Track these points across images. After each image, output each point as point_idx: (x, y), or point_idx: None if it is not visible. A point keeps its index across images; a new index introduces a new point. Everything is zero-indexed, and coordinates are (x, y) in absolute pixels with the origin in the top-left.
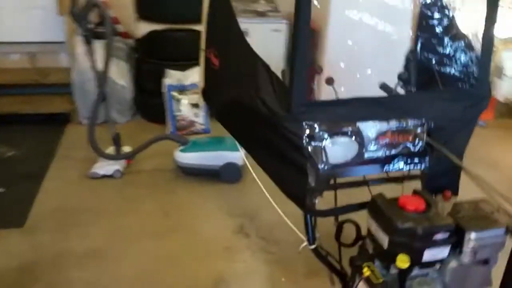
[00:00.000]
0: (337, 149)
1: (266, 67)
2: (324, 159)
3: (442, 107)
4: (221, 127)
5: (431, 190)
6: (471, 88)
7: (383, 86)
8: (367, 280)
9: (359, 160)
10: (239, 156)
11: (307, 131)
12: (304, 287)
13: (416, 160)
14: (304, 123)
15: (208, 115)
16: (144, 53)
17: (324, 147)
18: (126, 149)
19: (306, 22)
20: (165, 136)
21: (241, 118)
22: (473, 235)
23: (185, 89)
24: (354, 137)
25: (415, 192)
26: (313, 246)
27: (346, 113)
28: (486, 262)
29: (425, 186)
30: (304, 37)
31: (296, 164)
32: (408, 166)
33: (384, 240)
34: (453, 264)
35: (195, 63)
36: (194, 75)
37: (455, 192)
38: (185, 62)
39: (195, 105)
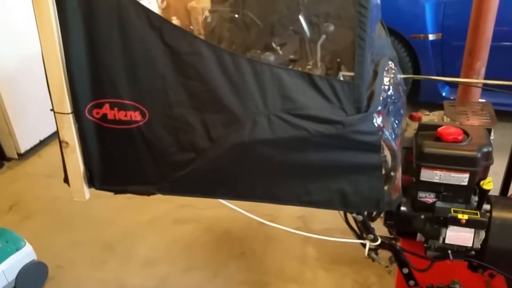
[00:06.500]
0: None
1: (301, 74)
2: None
3: None
4: None
5: None
6: None
7: None
8: (467, 223)
9: None
10: (29, 250)
11: (376, 123)
12: None
13: None
14: (374, 116)
15: None
16: None
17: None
18: None
19: None
20: None
21: (249, 162)
22: None
23: None
24: None
25: (428, 126)
26: (379, 241)
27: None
28: None
29: None
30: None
31: (368, 165)
32: None
33: (462, 178)
34: None
35: None
36: None
37: None
38: None
39: None
